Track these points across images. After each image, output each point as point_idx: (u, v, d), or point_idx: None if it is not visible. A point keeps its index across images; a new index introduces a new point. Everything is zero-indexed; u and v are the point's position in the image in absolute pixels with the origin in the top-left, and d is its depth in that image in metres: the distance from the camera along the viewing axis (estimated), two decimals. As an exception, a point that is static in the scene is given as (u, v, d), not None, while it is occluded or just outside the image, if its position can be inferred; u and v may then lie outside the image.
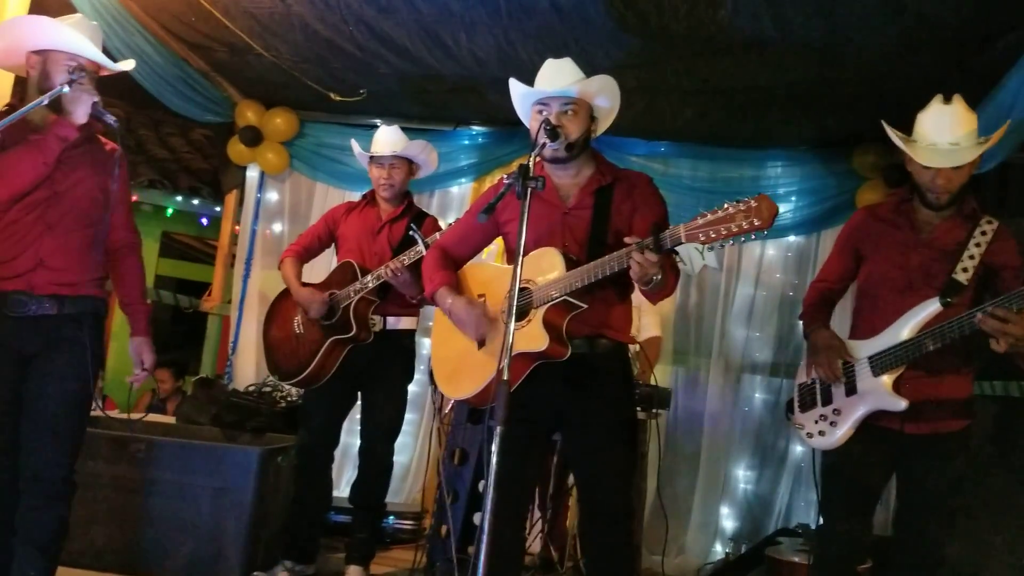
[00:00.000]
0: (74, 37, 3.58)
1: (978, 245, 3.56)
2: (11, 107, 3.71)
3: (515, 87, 3.53)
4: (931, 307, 3.50)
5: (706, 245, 2.99)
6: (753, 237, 2.92)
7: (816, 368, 3.72)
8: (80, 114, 3.53)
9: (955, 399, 3.59)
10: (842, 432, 3.61)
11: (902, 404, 3.47)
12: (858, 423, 3.60)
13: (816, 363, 3.71)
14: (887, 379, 3.54)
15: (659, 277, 3.13)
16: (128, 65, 3.86)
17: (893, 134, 3.66)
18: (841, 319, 4.13)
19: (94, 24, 3.80)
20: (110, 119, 3.59)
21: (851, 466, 3.67)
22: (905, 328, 3.53)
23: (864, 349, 3.64)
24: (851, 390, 3.62)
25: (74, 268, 3.65)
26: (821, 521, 3.87)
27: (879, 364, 3.55)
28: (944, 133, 3.53)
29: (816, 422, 3.71)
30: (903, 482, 3.72)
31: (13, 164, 3.49)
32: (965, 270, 3.54)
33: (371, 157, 5.05)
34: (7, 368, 3.59)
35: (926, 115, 3.61)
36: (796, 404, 3.85)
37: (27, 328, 3.59)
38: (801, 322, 4.03)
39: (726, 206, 2.93)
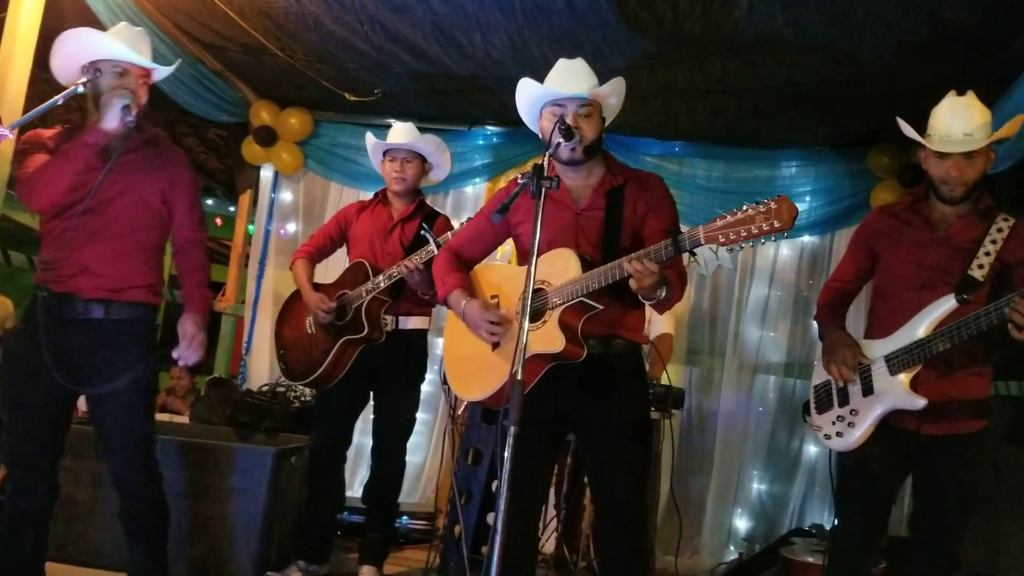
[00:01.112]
0: (109, 42, 3.62)
1: (994, 242, 3.54)
2: (70, 122, 3.79)
3: (528, 87, 3.51)
4: (947, 304, 3.47)
5: (726, 247, 2.97)
6: (773, 239, 2.90)
7: (830, 368, 3.70)
8: (109, 118, 3.54)
9: (973, 399, 3.56)
10: (860, 433, 3.58)
11: (920, 403, 3.45)
12: (876, 423, 3.56)
13: (832, 362, 3.69)
14: (904, 378, 3.51)
15: (663, 293, 3.16)
16: (168, 70, 3.89)
17: (907, 128, 3.66)
18: (856, 320, 4.11)
19: (139, 30, 3.85)
20: (128, 122, 3.58)
21: (867, 467, 3.64)
22: (921, 326, 3.50)
23: (880, 348, 3.62)
24: (868, 390, 3.59)
25: (121, 274, 3.70)
26: (836, 522, 3.86)
27: (895, 363, 3.53)
28: (958, 124, 3.51)
29: (833, 423, 3.68)
30: (919, 483, 3.70)
31: (47, 174, 3.54)
32: (981, 267, 3.51)
33: (384, 152, 5.05)
34: (52, 366, 3.63)
35: (940, 108, 3.60)
36: (812, 406, 3.83)
37: (77, 331, 3.66)
38: (816, 323, 4.02)
39: (746, 208, 2.91)
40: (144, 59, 3.73)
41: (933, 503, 3.59)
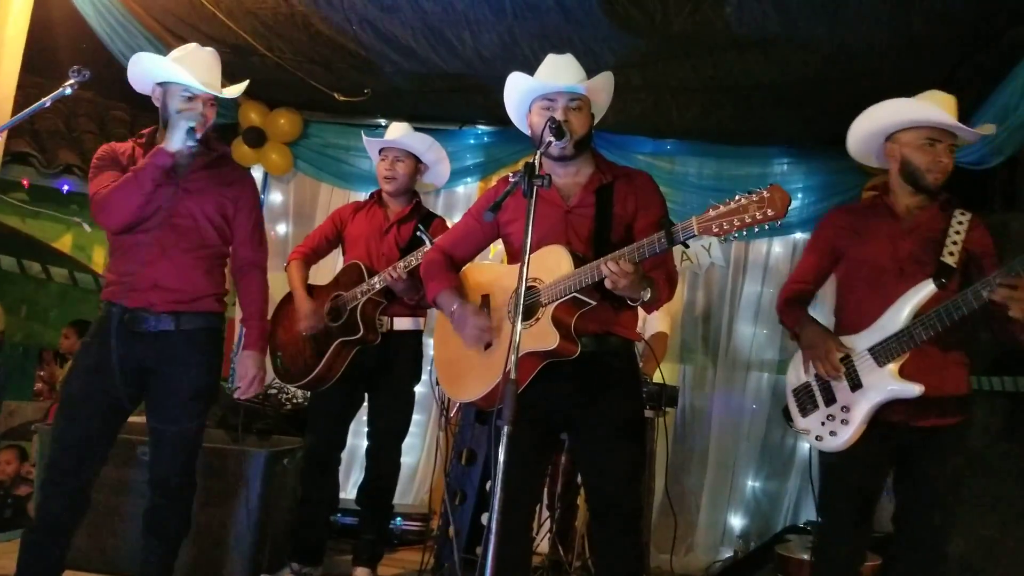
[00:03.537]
0: (177, 68, 3.74)
1: (958, 232, 3.60)
2: (143, 136, 3.88)
3: (519, 81, 3.50)
4: (926, 289, 3.48)
5: (719, 237, 2.97)
6: (767, 227, 2.89)
7: (815, 363, 3.66)
8: (175, 140, 3.66)
9: (956, 391, 3.57)
10: (854, 429, 3.54)
11: (917, 389, 3.42)
12: (868, 418, 3.54)
13: (815, 358, 3.66)
14: (893, 367, 3.49)
15: (647, 295, 3.17)
16: (236, 90, 4.05)
17: (888, 109, 3.73)
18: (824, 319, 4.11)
19: (208, 51, 3.96)
20: (190, 145, 3.69)
21: (854, 464, 3.61)
22: (902, 313, 3.50)
23: (861, 341, 3.60)
24: (856, 385, 3.56)
25: (189, 287, 3.81)
26: (821, 520, 3.82)
27: (883, 353, 3.51)
28: (947, 113, 3.59)
29: (823, 423, 3.63)
30: (904, 478, 3.65)
31: (117, 195, 3.64)
32: (952, 254, 3.56)
33: (379, 152, 5.06)
34: (120, 380, 3.70)
35: (923, 100, 3.68)
36: (796, 410, 3.78)
37: (146, 343, 3.75)
38: (784, 324, 4.00)
39: (738, 197, 2.90)
40: (212, 85, 3.85)
41: (920, 497, 3.56)
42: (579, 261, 3.25)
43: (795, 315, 3.87)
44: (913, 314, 3.48)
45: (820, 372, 3.65)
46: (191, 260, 3.82)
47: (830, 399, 3.64)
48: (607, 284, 3.09)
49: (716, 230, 2.94)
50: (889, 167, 3.80)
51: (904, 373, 3.49)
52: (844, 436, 3.57)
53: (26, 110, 3.43)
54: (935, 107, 3.62)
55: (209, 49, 3.96)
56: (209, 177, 3.90)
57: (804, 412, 3.73)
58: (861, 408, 3.55)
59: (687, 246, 3.04)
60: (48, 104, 3.45)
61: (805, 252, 4.05)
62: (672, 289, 3.42)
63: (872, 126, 3.78)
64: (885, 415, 3.54)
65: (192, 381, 3.80)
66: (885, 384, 3.50)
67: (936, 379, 3.49)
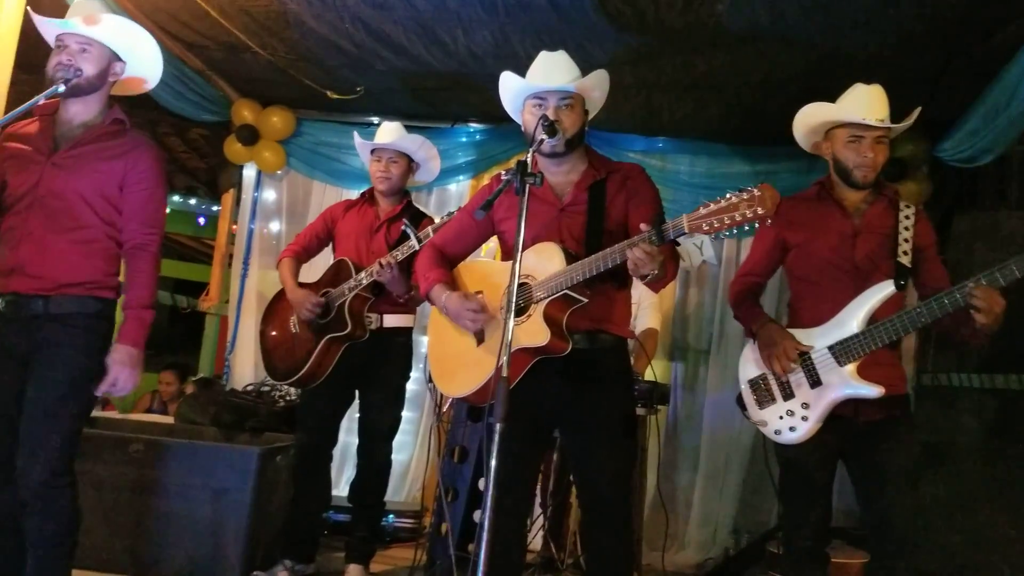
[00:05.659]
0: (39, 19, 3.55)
1: (907, 229, 3.65)
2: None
3: (510, 80, 3.52)
4: (886, 290, 3.52)
5: (710, 235, 2.99)
6: (757, 226, 2.91)
7: (771, 361, 3.68)
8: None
9: (897, 391, 3.62)
10: (812, 425, 3.58)
11: (877, 391, 3.48)
12: (826, 414, 3.58)
13: (773, 356, 3.66)
14: (852, 368, 3.53)
15: (656, 271, 3.12)
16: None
17: (819, 106, 3.81)
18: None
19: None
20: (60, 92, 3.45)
21: (809, 458, 3.66)
22: (860, 313, 3.54)
23: (818, 339, 3.63)
24: (815, 382, 3.59)
25: (56, 274, 3.51)
26: (785, 512, 3.85)
27: (843, 353, 3.55)
28: (875, 109, 3.65)
29: (782, 418, 3.66)
30: (863, 470, 3.68)
31: None
32: (905, 253, 3.62)
33: (371, 151, 5.07)
34: (7, 371, 3.54)
35: (852, 95, 3.74)
36: (751, 401, 3.80)
37: (20, 329, 3.52)
38: (739, 318, 4.01)
39: (729, 196, 2.93)
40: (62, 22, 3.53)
41: (886, 488, 3.57)
42: (571, 259, 3.27)
43: (751, 311, 3.91)
44: (870, 314, 3.53)
45: (775, 370, 3.66)
46: (63, 244, 3.50)
47: (788, 394, 3.67)
48: (629, 267, 3.09)
49: (707, 228, 2.96)
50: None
51: (859, 372, 3.54)
52: (802, 431, 3.61)
53: (19, 107, 3.41)
54: (856, 103, 3.69)
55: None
56: (89, 152, 3.56)
57: (761, 404, 3.75)
58: (821, 405, 3.58)
59: (678, 243, 3.07)
60: (42, 102, 3.43)
61: (754, 244, 4.06)
62: (677, 265, 3.44)
63: (806, 125, 3.89)
64: (836, 409, 3.58)
65: (60, 370, 3.46)
66: (846, 384, 3.54)
67: (883, 376, 3.53)
